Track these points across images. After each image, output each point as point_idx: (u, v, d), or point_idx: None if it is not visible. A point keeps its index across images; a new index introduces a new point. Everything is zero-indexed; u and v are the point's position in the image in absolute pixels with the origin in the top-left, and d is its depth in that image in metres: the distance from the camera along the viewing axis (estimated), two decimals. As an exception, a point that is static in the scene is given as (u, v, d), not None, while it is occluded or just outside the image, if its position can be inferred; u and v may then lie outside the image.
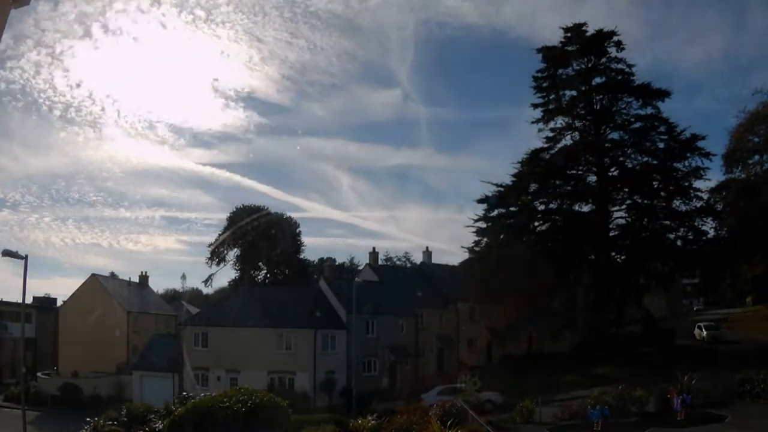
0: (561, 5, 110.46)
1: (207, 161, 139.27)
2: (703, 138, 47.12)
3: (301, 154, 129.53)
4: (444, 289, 53.86)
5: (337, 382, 43.19)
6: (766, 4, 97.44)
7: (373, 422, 23.36)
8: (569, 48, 48.60)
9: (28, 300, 55.99)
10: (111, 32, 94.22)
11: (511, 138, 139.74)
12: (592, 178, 50.29)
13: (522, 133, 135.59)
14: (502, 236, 50.42)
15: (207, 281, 72.47)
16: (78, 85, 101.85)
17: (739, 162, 50.00)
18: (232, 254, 70.20)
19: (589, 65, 48.78)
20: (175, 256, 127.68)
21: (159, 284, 79.34)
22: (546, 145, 50.12)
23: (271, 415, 14.80)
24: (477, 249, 51.99)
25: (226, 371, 42.69)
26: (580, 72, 48.88)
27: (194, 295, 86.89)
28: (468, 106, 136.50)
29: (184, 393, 28.70)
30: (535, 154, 50.16)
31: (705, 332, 49.14)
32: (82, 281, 60.10)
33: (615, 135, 49.72)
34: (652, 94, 47.58)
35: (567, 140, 50.24)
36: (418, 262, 66.82)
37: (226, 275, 76.17)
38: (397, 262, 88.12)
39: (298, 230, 72.02)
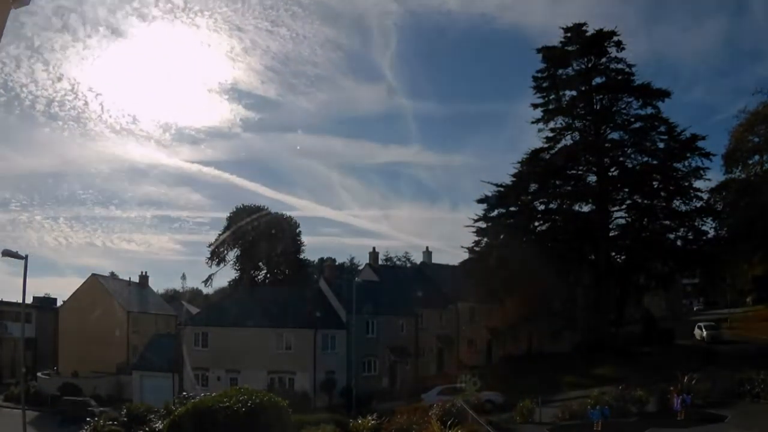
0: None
1: (194, 159, 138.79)
2: (703, 138, 47.16)
3: (289, 151, 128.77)
4: (444, 289, 53.91)
5: (337, 382, 43.19)
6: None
7: (373, 422, 23.36)
8: (569, 48, 48.58)
9: (28, 300, 56.04)
10: (89, 24, 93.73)
11: (502, 134, 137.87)
12: (592, 178, 50.28)
13: (514, 129, 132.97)
14: (502, 236, 50.39)
15: (207, 281, 72.48)
16: (59, 79, 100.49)
17: (739, 162, 49.95)
18: (232, 254, 70.24)
19: (589, 65, 48.76)
20: (170, 255, 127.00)
21: (155, 283, 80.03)
22: (546, 145, 50.11)
23: (271, 415, 14.77)
24: (477, 249, 52.00)
25: (226, 371, 42.69)
26: (580, 72, 48.85)
27: (194, 295, 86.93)
28: (455, 101, 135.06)
29: (184, 393, 28.72)
30: (535, 154, 50.15)
31: (705, 332, 49.13)
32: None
33: (615, 135, 49.71)
34: (652, 94, 47.56)
35: (567, 140, 50.23)
36: (418, 262, 66.93)
37: (226, 275, 76.02)
38: (397, 262, 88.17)
39: (298, 230, 72.06)
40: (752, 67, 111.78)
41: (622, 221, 50.27)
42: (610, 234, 49.26)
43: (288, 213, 74.22)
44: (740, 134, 48.36)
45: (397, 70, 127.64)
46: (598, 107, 49.05)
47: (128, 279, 65.33)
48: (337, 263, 77.70)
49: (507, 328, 50.16)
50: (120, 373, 50.39)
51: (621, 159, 49.70)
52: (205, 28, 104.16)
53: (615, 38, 47.75)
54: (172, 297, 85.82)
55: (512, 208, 51.03)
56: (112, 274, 70.27)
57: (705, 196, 48.80)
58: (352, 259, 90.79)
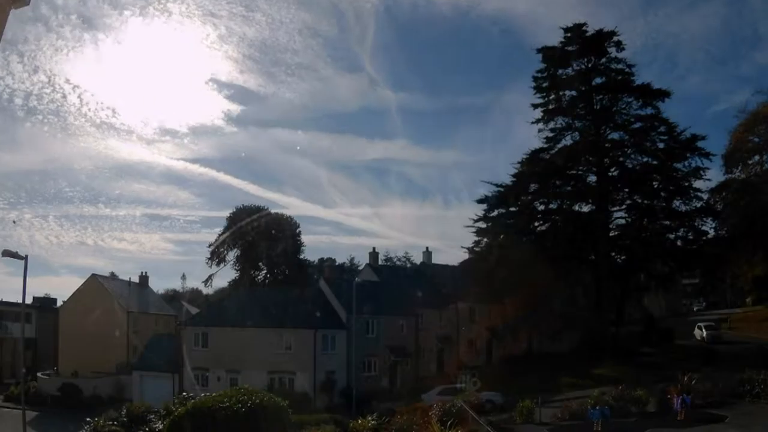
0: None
1: (180, 156, 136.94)
2: (703, 138, 47.10)
3: (274, 147, 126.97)
4: (444, 289, 53.89)
5: (337, 382, 43.19)
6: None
7: (373, 422, 23.34)
8: (569, 48, 48.57)
9: (28, 300, 56.06)
10: (60, 12, 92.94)
11: (491, 127, 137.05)
12: (592, 178, 50.26)
13: (503, 121, 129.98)
14: (502, 236, 50.42)
15: (207, 281, 72.53)
16: (35, 71, 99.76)
17: (739, 162, 49.98)
18: (232, 254, 70.25)
19: (589, 65, 48.74)
20: (163, 254, 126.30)
21: (152, 283, 78.62)
22: (546, 145, 50.08)
23: (271, 415, 14.77)
24: (477, 249, 52.04)
25: (226, 371, 42.70)
26: (580, 72, 48.83)
27: (194, 296, 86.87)
28: (440, 93, 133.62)
29: (184, 393, 28.67)
30: (535, 154, 50.15)
31: (705, 332, 49.18)
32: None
33: (615, 135, 49.67)
34: (652, 94, 47.54)
35: (567, 140, 50.18)
36: (418, 262, 66.98)
37: (226, 276, 76.05)
38: (397, 262, 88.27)
39: (297, 230, 72.06)
40: (751, 54, 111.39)
41: (622, 221, 50.31)
42: (610, 234, 49.25)
43: (277, 212, 73.71)
44: (740, 134, 48.38)
45: (376, 58, 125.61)
46: (598, 107, 49.02)
47: (128, 279, 65.35)
48: (336, 263, 77.84)
49: (507, 328, 50.16)
50: (120, 373, 50.37)
51: (621, 159, 49.69)
52: (177, 14, 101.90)
53: (615, 38, 47.77)
54: (172, 297, 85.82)
55: (512, 208, 51.03)
56: (112, 274, 70.32)
57: (705, 196, 48.84)
58: (352, 259, 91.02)
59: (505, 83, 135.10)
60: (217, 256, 69.60)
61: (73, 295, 59.20)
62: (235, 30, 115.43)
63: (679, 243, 49.05)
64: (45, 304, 64.94)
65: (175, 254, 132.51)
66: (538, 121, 50.03)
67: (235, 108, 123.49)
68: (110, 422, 24.41)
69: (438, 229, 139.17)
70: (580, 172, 50.81)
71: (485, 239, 51.77)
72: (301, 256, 73.83)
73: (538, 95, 50.10)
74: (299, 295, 50.75)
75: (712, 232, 49.85)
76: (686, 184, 47.73)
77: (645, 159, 48.99)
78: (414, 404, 29.73)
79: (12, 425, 32.30)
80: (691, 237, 48.61)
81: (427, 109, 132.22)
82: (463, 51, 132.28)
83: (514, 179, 49.90)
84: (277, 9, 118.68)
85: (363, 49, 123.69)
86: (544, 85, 50.00)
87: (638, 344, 47.82)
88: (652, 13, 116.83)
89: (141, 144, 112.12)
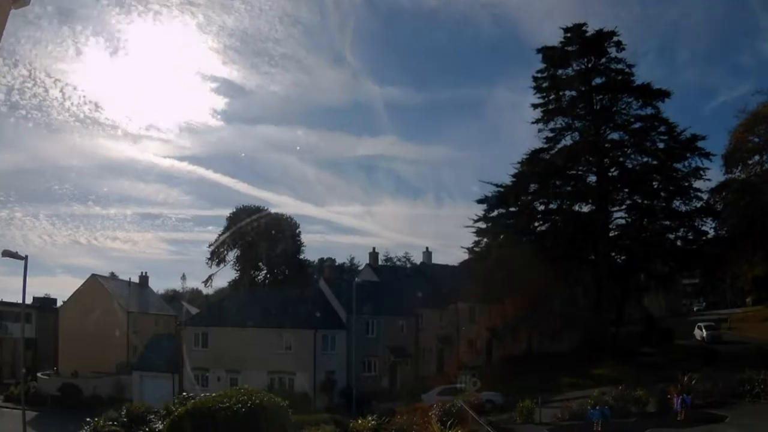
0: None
1: (167, 153, 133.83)
2: (703, 138, 47.13)
3: (261, 144, 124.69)
4: (444, 289, 53.87)
5: (337, 383, 43.19)
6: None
7: (372, 422, 23.34)
8: (569, 48, 48.58)
9: (28, 300, 56.06)
10: (37, 3, 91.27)
11: (481, 122, 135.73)
12: (592, 178, 50.28)
13: (493, 116, 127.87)
14: (502, 236, 50.45)
15: (207, 281, 72.50)
16: (15, 65, 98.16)
17: (739, 162, 49.99)
18: (232, 255, 70.23)
19: (589, 65, 48.75)
20: (157, 253, 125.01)
21: (150, 283, 76.84)
22: (546, 146, 50.11)
23: (271, 415, 14.77)
24: (477, 249, 52.06)
25: (226, 371, 42.70)
26: (580, 72, 48.84)
27: (194, 296, 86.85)
28: (425, 86, 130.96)
29: (184, 393, 28.67)
30: (535, 154, 50.16)
31: (705, 332, 49.18)
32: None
33: (615, 135, 49.69)
34: (652, 94, 47.55)
35: (567, 140, 50.22)
36: (418, 263, 67.00)
37: (226, 276, 75.99)
38: (397, 263, 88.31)
39: (297, 230, 72.05)
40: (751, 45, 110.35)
41: (622, 221, 50.33)
42: (610, 234, 49.26)
43: (276, 212, 73.17)
44: (740, 134, 48.38)
45: (359, 48, 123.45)
46: (598, 107, 49.03)
47: (128, 279, 65.36)
48: (336, 263, 77.83)
49: (507, 328, 50.14)
50: (120, 373, 50.36)
51: (621, 159, 49.70)
52: (155, 3, 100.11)
53: (615, 38, 47.79)
54: (172, 297, 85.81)
55: (512, 209, 51.06)
56: (112, 274, 70.31)
57: (705, 196, 48.88)
58: (352, 259, 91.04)
59: (494, 76, 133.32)
60: (216, 256, 69.59)
61: (73, 295, 59.20)
62: (214, 19, 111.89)
63: (679, 243, 49.08)
64: (45, 304, 64.94)
65: (170, 254, 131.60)
66: (538, 121, 50.08)
67: (220, 101, 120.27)
68: (110, 422, 24.43)
69: (432, 228, 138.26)
70: (580, 172, 50.83)
71: (485, 239, 51.82)
72: (301, 256, 73.90)
73: (538, 95, 50.18)
74: (299, 295, 50.75)
75: (712, 232, 49.96)
76: (686, 184, 47.76)
77: (645, 159, 49.02)
78: (414, 404, 29.75)
79: (12, 425, 32.28)
80: (691, 237, 48.64)
81: (414, 104, 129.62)
82: (450, 42, 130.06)
83: (514, 179, 49.93)
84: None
85: (344, 38, 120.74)
86: (544, 85, 50.02)
87: (638, 344, 47.84)
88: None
89: (127, 140, 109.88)
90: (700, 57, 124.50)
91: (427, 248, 64.76)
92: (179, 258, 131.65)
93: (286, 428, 15.79)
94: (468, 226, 51.57)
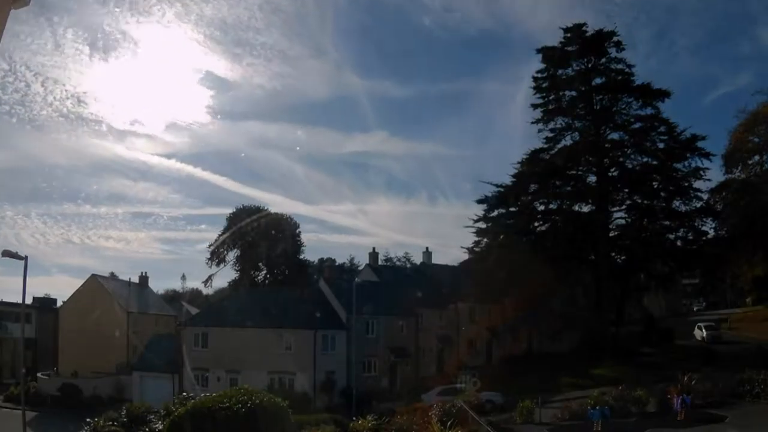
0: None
1: (154, 151, 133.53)
2: (703, 138, 47.12)
3: (248, 141, 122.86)
4: (444, 289, 53.90)
5: (337, 383, 43.19)
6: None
7: (372, 422, 23.35)
8: (569, 48, 48.60)
9: (28, 300, 56.05)
10: None
11: (471, 115, 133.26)
12: (592, 179, 50.30)
13: (482, 109, 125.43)
14: (501, 236, 50.46)
15: (207, 282, 72.56)
16: None
17: (739, 162, 50.00)
18: (232, 255, 70.25)
19: (589, 65, 48.76)
20: (151, 253, 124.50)
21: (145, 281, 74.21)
22: (546, 146, 50.14)
23: (271, 416, 14.77)
24: (477, 249, 52.07)
25: (226, 371, 42.69)
26: (579, 72, 48.86)
27: (194, 296, 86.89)
28: (411, 79, 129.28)
29: (184, 393, 28.67)
30: (535, 154, 50.19)
31: (705, 332, 49.18)
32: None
33: (615, 135, 49.71)
34: (652, 94, 47.56)
35: (567, 140, 50.25)
36: (418, 263, 67.01)
37: (226, 276, 75.92)
38: (397, 263, 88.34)
39: (297, 230, 72.08)
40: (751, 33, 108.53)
41: (622, 221, 50.34)
42: (610, 234, 49.27)
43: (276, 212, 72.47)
44: (740, 134, 48.40)
45: (340, 38, 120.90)
46: (598, 107, 49.05)
47: (128, 279, 65.38)
48: (336, 263, 77.91)
49: (507, 328, 50.23)
50: (120, 373, 50.34)
51: (621, 159, 49.71)
52: None
53: (615, 38, 47.81)
54: (172, 297, 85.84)
55: (512, 209, 51.07)
56: (112, 274, 70.32)
57: (705, 197, 48.89)
58: (352, 259, 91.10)
59: (482, 68, 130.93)
60: (216, 256, 69.64)
61: (73, 295, 59.20)
62: (191, 8, 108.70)
63: (679, 243, 49.08)
64: (45, 304, 64.92)
65: (164, 253, 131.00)
66: (538, 121, 50.09)
67: (204, 95, 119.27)
68: (110, 422, 24.41)
69: (427, 227, 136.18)
70: (580, 173, 50.84)
71: (485, 239, 51.82)
72: (301, 257, 73.94)
73: (538, 95, 50.19)
74: (299, 295, 50.77)
75: (712, 232, 49.97)
76: (686, 184, 47.77)
77: (645, 159, 49.03)
78: (414, 404, 29.74)
79: (12, 425, 32.27)
80: (691, 237, 48.64)
81: (401, 98, 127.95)
82: (434, 32, 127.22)
83: (514, 179, 49.95)
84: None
85: (324, 27, 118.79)
86: (544, 85, 50.04)
87: (638, 344, 47.84)
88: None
89: (113, 136, 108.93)
90: (697, 45, 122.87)
91: (427, 248, 65.03)
92: (173, 258, 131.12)
93: (286, 428, 15.79)
94: (468, 226, 51.67)
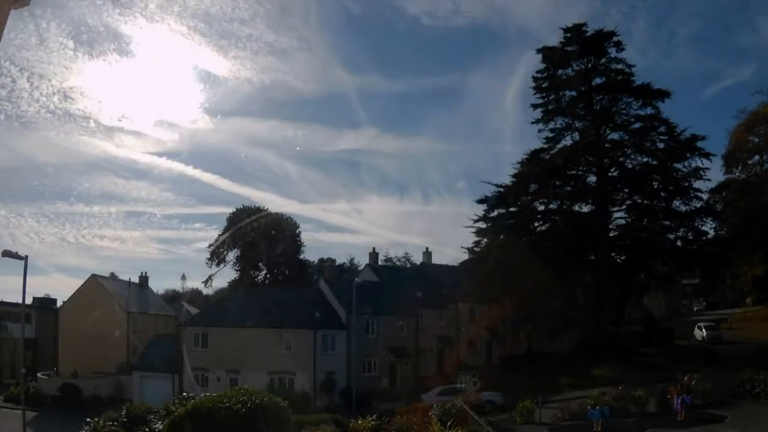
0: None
1: (145, 149, 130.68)
2: (703, 138, 47.21)
3: (239, 138, 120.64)
4: (444, 289, 53.91)
5: (337, 383, 43.19)
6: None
7: (372, 422, 23.34)
8: (569, 48, 48.63)
9: (28, 300, 56.03)
10: None
11: (462, 110, 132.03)
12: (592, 179, 50.35)
13: (473, 103, 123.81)
14: (501, 237, 50.47)
15: (207, 282, 72.59)
16: None
17: (739, 162, 50.00)
18: (232, 255, 70.29)
19: (589, 65, 48.81)
20: (146, 253, 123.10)
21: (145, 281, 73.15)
22: (546, 146, 50.20)
23: (271, 416, 14.77)
24: (477, 249, 52.09)
25: (226, 371, 42.69)
26: (579, 72, 48.90)
27: (194, 296, 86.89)
28: (399, 74, 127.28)
29: (184, 393, 28.67)
30: (535, 154, 50.24)
31: (705, 332, 49.13)
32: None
33: (615, 135, 49.79)
34: (652, 94, 47.59)
35: (567, 140, 50.33)
36: (418, 263, 67.01)
37: (226, 276, 75.83)
38: (397, 263, 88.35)
39: (297, 230, 72.12)
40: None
41: (622, 221, 50.40)
42: (610, 234, 49.32)
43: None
44: (740, 134, 48.40)
45: (325, 31, 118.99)
46: (598, 107, 49.09)
47: (128, 279, 65.38)
48: (336, 263, 77.86)
49: (507, 328, 50.24)
50: (120, 373, 50.33)
51: (621, 159, 49.75)
52: None
53: (615, 38, 47.84)
54: (172, 297, 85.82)
55: (512, 209, 51.11)
56: (112, 274, 70.28)
57: (705, 197, 48.96)
58: (352, 259, 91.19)
59: (472, 61, 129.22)
60: (216, 256, 69.67)
61: (73, 295, 59.18)
62: None
63: (679, 243, 49.12)
64: (45, 304, 64.90)
65: (160, 252, 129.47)
66: (537, 121, 50.16)
67: (191, 90, 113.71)
68: (110, 422, 24.38)
69: (423, 226, 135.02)
70: (580, 173, 50.88)
71: (485, 239, 51.85)
72: (301, 257, 73.98)
73: (538, 95, 50.27)
74: (299, 295, 50.80)
75: (712, 232, 50.01)
76: (686, 184, 47.81)
77: (645, 159, 49.09)
78: (414, 404, 29.71)
79: (12, 425, 32.27)
80: (691, 237, 48.67)
81: (391, 93, 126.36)
82: (423, 21, 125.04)
83: (514, 179, 50.00)
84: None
85: (308, 17, 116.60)
86: (544, 85, 50.07)
87: (638, 344, 47.82)
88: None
89: (101, 133, 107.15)
90: (697, 36, 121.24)
91: (427, 248, 64.91)
92: (170, 257, 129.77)
93: (286, 428, 15.79)
94: (468, 226, 51.73)
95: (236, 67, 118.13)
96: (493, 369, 45.22)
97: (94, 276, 60.63)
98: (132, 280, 64.99)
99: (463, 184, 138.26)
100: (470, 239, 52.63)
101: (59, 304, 63.84)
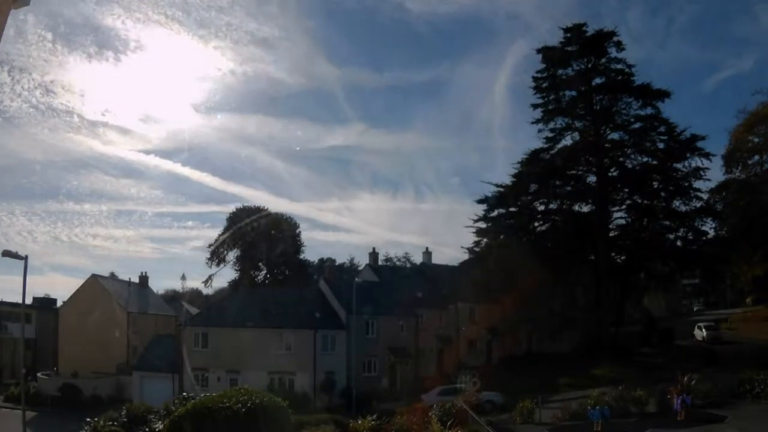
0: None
1: (132, 146, 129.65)
2: (703, 138, 47.28)
3: (226, 135, 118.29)
4: (444, 289, 53.92)
5: (337, 383, 43.19)
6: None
7: (372, 422, 23.34)
8: (569, 48, 48.65)
9: (28, 300, 56.07)
10: None
11: (449, 103, 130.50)
12: (592, 179, 50.38)
13: (460, 96, 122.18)
14: (501, 236, 50.50)
15: (207, 282, 72.55)
16: None
17: (739, 162, 50.02)
18: (232, 255, 70.28)
19: (589, 65, 48.83)
20: (140, 252, 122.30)
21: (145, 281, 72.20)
22: (546, 146, 50.24)
23: (271, 416, 14.76)
24: (477, 249, 52.11)
25: (226, 371, 42.69)
26: (579, 72, 48.91)
27: (194, 296, 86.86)
28: (385, 65, 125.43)
29: (184, 393, 28.67)
30: (535, 154, 50.26)
31: (705, 332, 49.16)
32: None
33: (615, 135, 49.84)
34: (652, 94, 47.62)
35: (567, 140, 50.39)
36: (418, 263, 67.02)
37: (226, 276, 75.85)
38: (397, 263, 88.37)
39: (297, 230, 72.13)
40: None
41: (622, 221, 50.46)
42: (610, 234, 49.34)
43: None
44: (740, 134, 48.41)
45: (310, 20, 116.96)
46: (598, 107, 49.12)
47: (128, 279, 65.41)
48: (336, 263, 77.91)
49: (507, 328, 50.23)
50: (120, 373, 50.35)
51: (621, 159, 49.79)
52: None
53: (615, 38, 47.86)
54: (172, 297, 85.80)
55: (512, 209, 51.13)
56: (112, 274, 70.36)
57: (705, 197, 49.00)
58: (352, 259, 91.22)
59: (460, 54, 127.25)
60: (216, 256, 69.66)
61: (73, 295, 59.20)
62: None
63: (679, 243, 49.15)
64: (45, 304, 64.96)
65: (153, 251, 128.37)
66: (537, 121, 50.20)
67: (173, 83, 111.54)
68: (110, 422, 24.38)
69: (417, 224, 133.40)
70: (580, 172, 50.91)
71: (485, 239, 51.87)
72: (301, 257, 73.98)
73: (538, 95, 50.29)
74: (299, 295, 50.77)
75: (712, 232, 50.05)
76: (686, 184, 47.85)
77: (645, 159, 49.14)
78: (414, 404, 29.65)
79: (12, 425, 32.28)
80: (691, 237, 48.70)
81: (377, 87, 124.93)
82: (406, 10, 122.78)
83: (514, 179, 50.05)
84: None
85: (289, 5, 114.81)
86: (544, 85, 50.09)
87: (638, 344, 47.88)
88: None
89: (86, 129, 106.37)
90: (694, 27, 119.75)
91: (426, 248, 64.82)
92: (164, 256, 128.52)
93: (286, 428, 15.79)
94: (468, 226, 51.75)
95: (216, 57, 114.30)
96: (493, 369, 45.19)
97: (94, 276, 60.66)
98: (132, 280, 65.10)
99: (456, 181, 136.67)
100: (470, 239, 52.77)
101: (59, 304, 63.90)
